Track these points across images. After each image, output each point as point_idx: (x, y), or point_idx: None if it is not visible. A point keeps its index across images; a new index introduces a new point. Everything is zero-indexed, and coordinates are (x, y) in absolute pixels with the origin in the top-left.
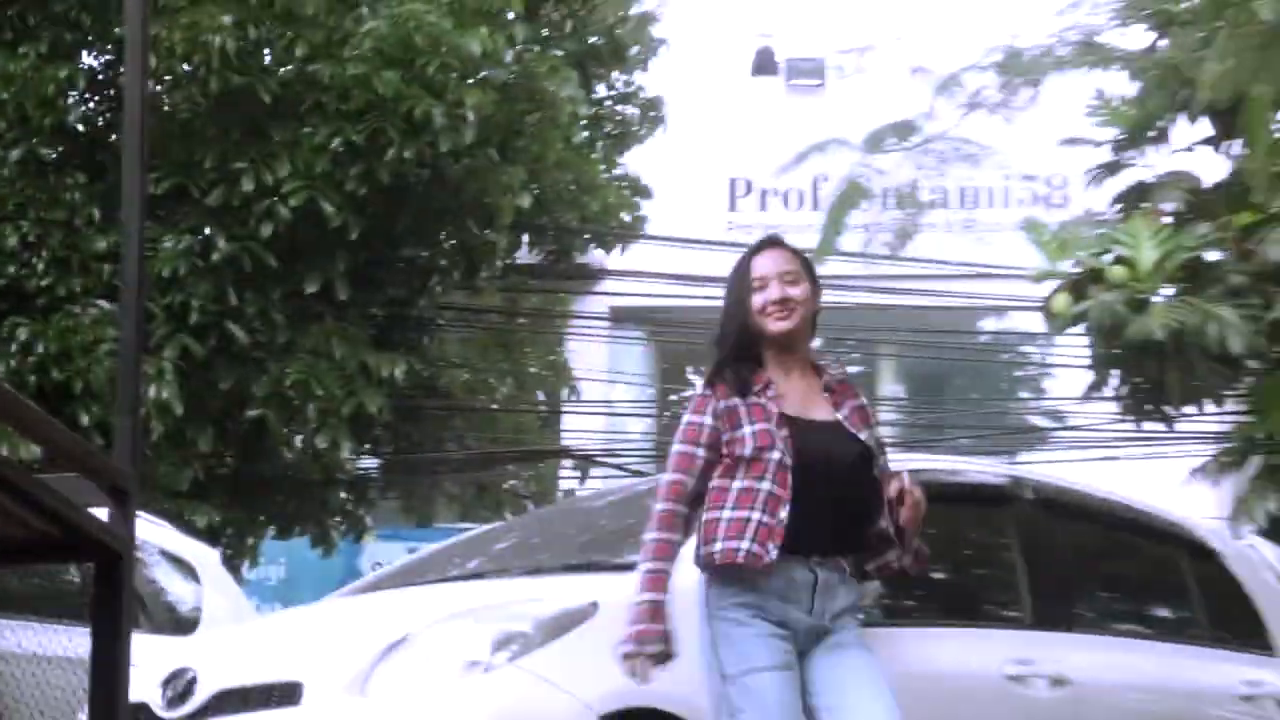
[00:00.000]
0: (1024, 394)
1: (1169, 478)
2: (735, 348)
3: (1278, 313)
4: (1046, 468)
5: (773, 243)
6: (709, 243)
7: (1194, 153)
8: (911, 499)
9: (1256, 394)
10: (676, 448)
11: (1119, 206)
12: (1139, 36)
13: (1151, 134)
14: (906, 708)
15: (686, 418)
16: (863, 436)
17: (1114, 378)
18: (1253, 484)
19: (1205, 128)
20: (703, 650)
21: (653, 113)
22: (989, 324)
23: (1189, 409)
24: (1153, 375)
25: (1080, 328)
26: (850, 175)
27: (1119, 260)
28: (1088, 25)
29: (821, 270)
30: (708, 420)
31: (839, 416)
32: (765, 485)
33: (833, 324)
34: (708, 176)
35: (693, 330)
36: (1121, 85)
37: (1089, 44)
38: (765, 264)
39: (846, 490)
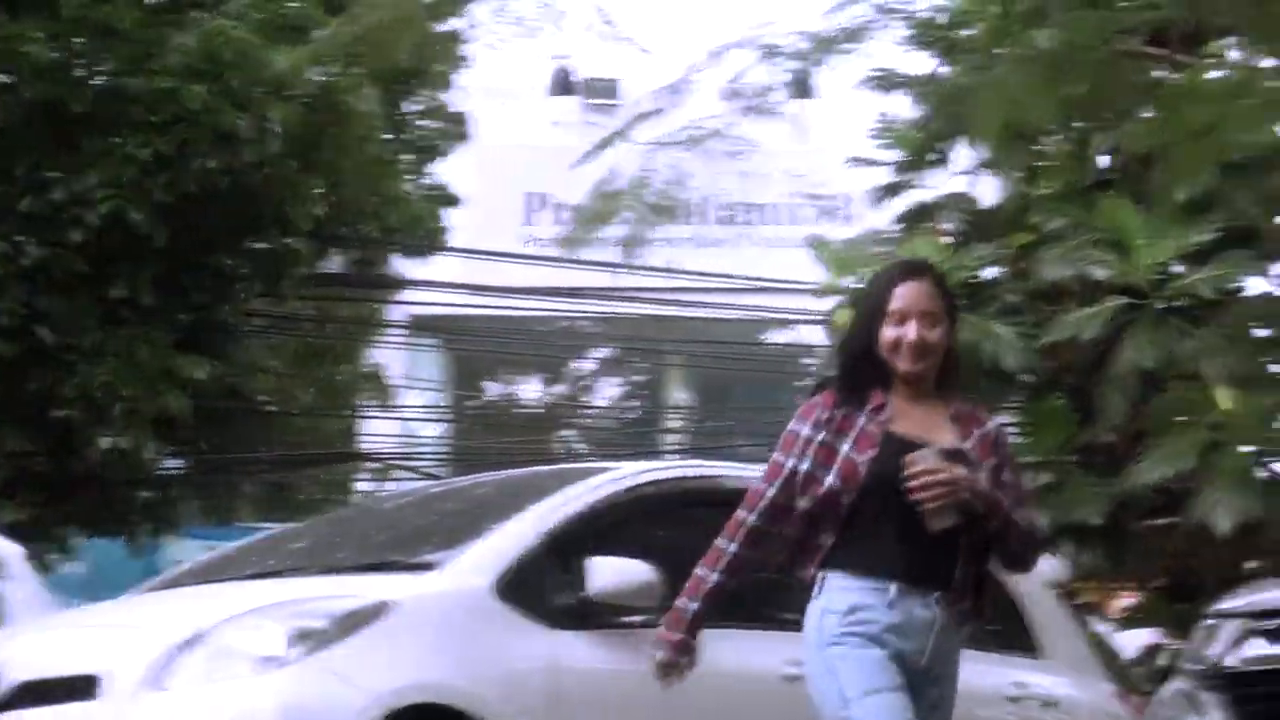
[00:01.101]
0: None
1: None
2: (855, 369)
3: (1051, 331)
4: None
5: (918, 272)
6: (505, 255)
7: (974, 176)
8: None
9: (1030, 414)
10: (773, 456)
11: (901, 225)
12: (923, 62)
13: (933, 157)
14: (688, 707)
15: (790, 427)
16: (981, 465)
17: None
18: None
19: (985, 151)
20: (813, 680)
21: (455, 128)
22: (774, 336)
23: None
24: None
25: None
26: (607, 180)
27: None
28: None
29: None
30: (806, 430)
31: (962, 444)
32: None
33: (622, 334)
34: (506, 191)
35: (487, 339)
36: (906, 109)
37: (855, 32)
38: (907, 297)
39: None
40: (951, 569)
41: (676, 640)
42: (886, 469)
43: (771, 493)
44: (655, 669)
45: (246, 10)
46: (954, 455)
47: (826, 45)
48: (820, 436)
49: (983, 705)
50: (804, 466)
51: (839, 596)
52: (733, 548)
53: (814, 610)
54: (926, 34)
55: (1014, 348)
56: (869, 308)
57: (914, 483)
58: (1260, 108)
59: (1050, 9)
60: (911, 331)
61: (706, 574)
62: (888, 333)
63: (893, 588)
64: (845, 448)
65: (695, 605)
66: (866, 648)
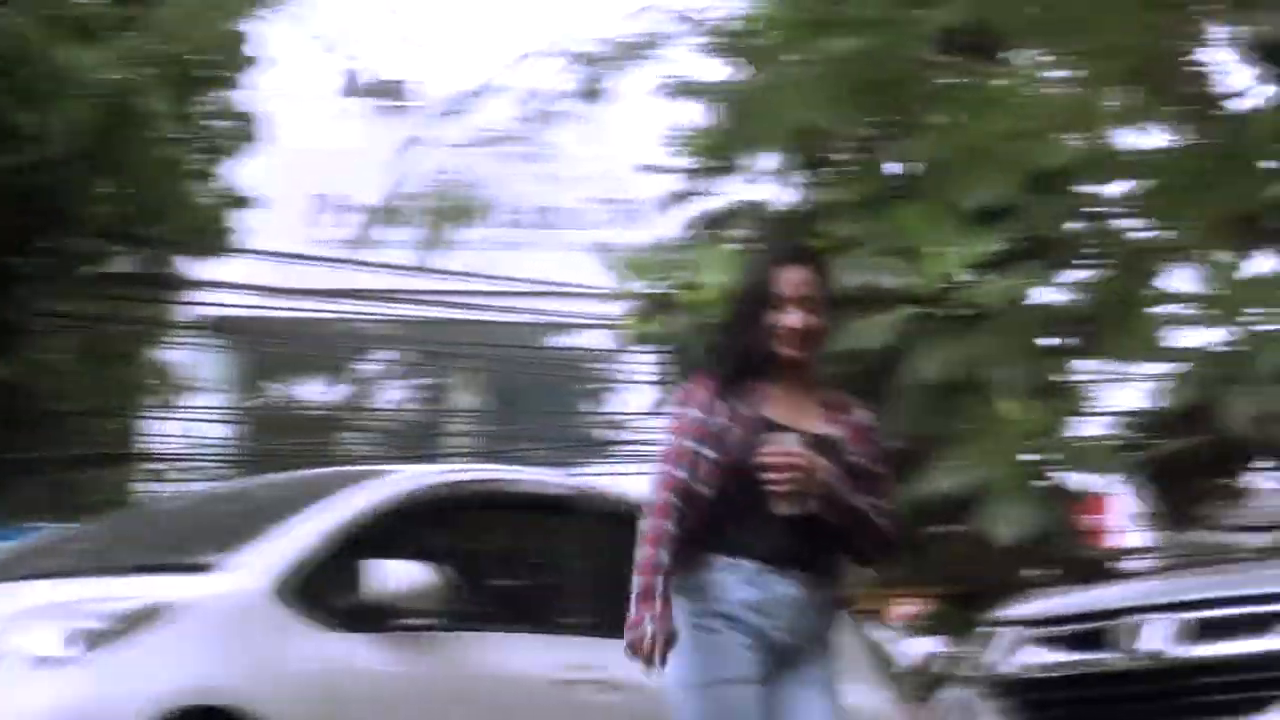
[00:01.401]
0: (597, 408)
1: None
2: (736, 354)
3: (840, 339)
4: (615, 480)
5: (802, 258)
6: (296, 256)
7: (765, 183)
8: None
9: None
10: (666, 442)
11: (693, 232)
12: (718, 69)
13: (726, 164)
14: (463, 709)
15: (675, 412)
16: (854, 453)
17: None
18: None
19: (776, 159)
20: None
21: (246, 129)
22: (564, 340)
23: None
24: None
25: (651, 347)
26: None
27: (690, 284)
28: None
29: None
30: (692, 414)
31: (834, 432)
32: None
33: (414, 337)
34: (301, 193)
35: (278, 340)
36: (699, 116)
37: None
38: (792, 283)
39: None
40: (812, 552)
41: (661, 611)
42: (748, 454)
43: (681, 474)
44: (648, 647)
45: (33, 5)
46: (821, 444)
47: (624, 52)
48: (703, 419)
49: None
50: (700, 448)
51: (701, 574)
52: (669, 525)
53: (679, 587)
54: (721, 41)
55: None
56: (753, 292)
57: (770, 467)
58: (1052, 119)
59: (843, 17)
60: (797, 318)
61: (657, 551)
62: (772, 319)
63: (752, 566)
64: (722, 431)
65: (660, 581)
66: (720, 632)
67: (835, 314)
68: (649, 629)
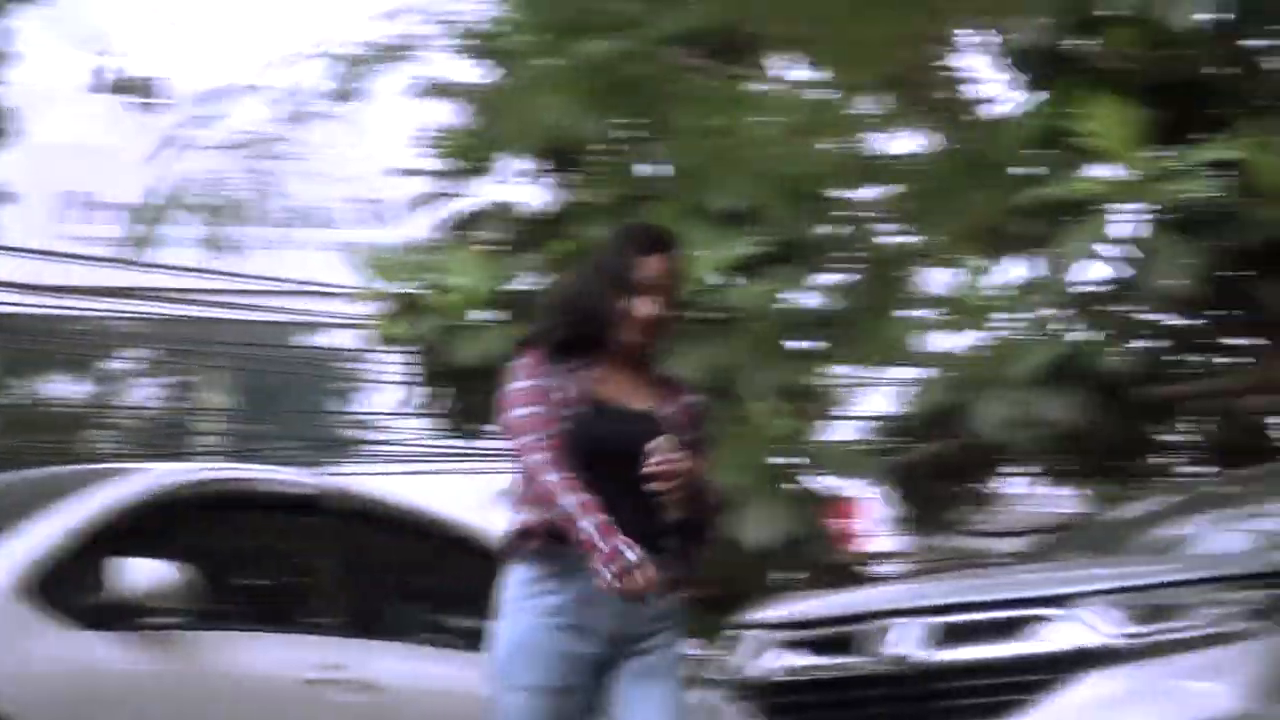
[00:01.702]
0: (345, 408)
1: (480, 493)
2: (576, 331)
3: None
4: (364, 479)
5: (663, 244)
6: (44, 254)
7: (517, 184)
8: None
9: None
10: (516, 414)
11: (443, 234)
12: (470, 71)
13: (476, 165)
14: (211, 712)
15: (515, 384)
16: (683, 432)
17: (434, 397)
18: None
19: (526, 161)
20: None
21: None
22: (315, 340)
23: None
24: (473, 395)
25: (402, 348)
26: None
27: (442, 286)
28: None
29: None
30: (524, 386)
31: (662, 410)
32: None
33: (166, 336)
34: (53, 189)
35: (26, 337)
36: (451, 117)
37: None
38: (652, 271)
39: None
40: (648, 537)
41: (617, 541)
42: (587, 433)
43: (546, 438)
44: (637, 570)
45: None
46: (656, 423)
47: (378, 53)
48: (544, 386)
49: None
50: (543, 411)
51: (527, 563)
52: (560, 471)
53: (508, 575)
54: (472, 43)
55: None
56: (609, 273)
57: (655, 472)
58: (804, 123)
59: (589, 21)
60: (651, 307)
61: (575, 495)
62: (625, 304)
63: (574, 554)
64: (551, 410)
65: (598, 517)
66: (542, 633)
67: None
68: (629, 555)
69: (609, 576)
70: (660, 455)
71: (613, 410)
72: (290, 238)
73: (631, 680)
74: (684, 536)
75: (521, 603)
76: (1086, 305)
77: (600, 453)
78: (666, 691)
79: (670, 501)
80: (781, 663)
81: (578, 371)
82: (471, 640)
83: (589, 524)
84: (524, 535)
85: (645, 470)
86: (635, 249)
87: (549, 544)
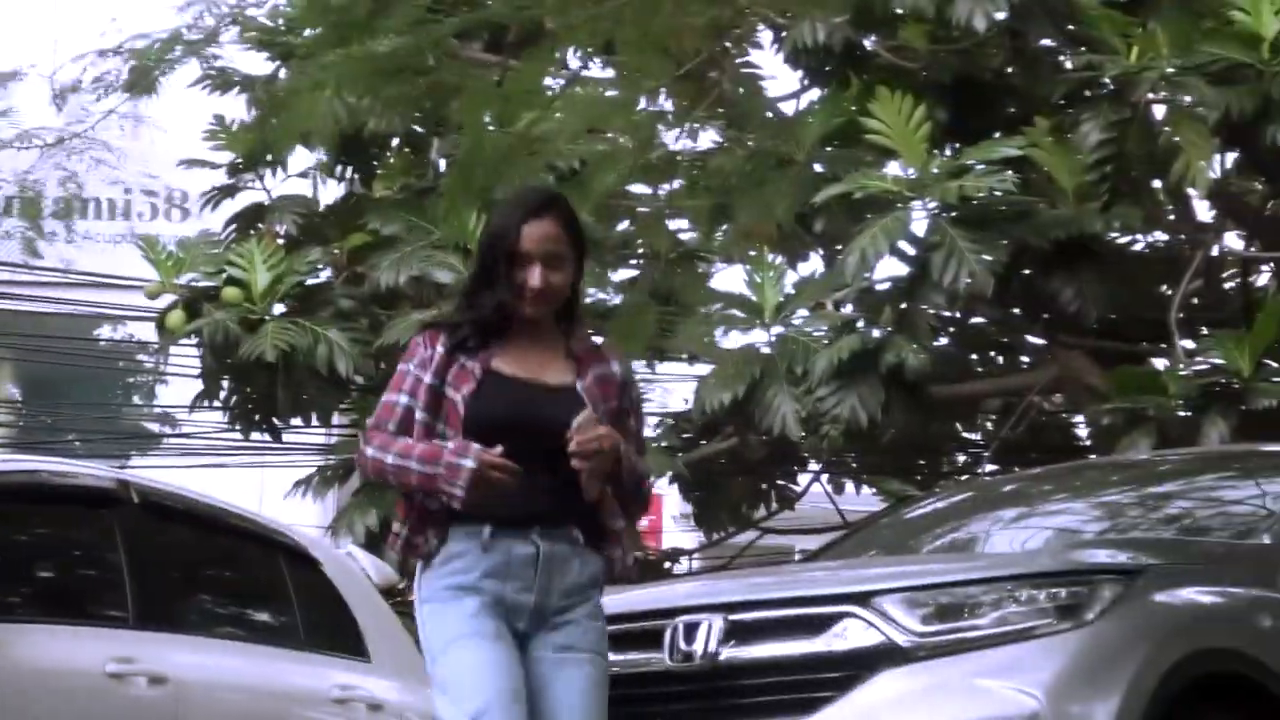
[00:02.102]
0: (138, 401)
1: (275, 487)
2: (477, 310)
3: (384, 336)
4: (157, 472)
5: (545, 208)
6: None
7: (309, 178)
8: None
9: (362, 415)
10: (382, 399)
11: (234, 227)
12: (260, 64)
13: (268, 159)
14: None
15: (398, 366)
16: (598, 404)
17: (225, 390)
18: (353, 498)
19: (317, 154)
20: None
21: None
22: (106, 332)
23: (297, 422)
24: (263, 390)
25: (194, 340)
26: None
27: (233, 281)
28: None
29: None
30: (413, 368)
31: (574, 382)
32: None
33: None
34: None
35: None
36: (241, 110)
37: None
38: (533, 237)
39: (565, 457)
40: (559, 508)
41: (445, 457)
42: (487, 409)
43: (392, 426)
44: (476, 481)
45: None
46: (564, 395)
47: (170, 46)
48: (426, 377)
49: (307, 706)
50: (414, 405)
51: (437, 546)
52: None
53: (418, 580)
54: (263, 37)
55: (347, 353)
56: (495, 247)
57: (579, 450)
58: (591, 118)
59: (383, 15)
60: (536, 277)
61: (396, 447)
62: (514, 275)
63: (486, 530)
64: (448, 389)
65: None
66: (455, 599)
67: (580, 261)
68: (465, 461)
69: (461, 492)
70: (577, 430)
71: (515, 384)
72: (85, 230)
73: (551, 659)
74: (609, 513)
75: (431, 584)
76: (882, 302)
77: (501, 428)
78: (584, 673)
79: (589, 477)
80: None
81: (479, 349)
82: (264, 634)
83: (415, 463)
84: (408, 546)
85: (562, 446)
86: (517, 219)
87: (426, 534)
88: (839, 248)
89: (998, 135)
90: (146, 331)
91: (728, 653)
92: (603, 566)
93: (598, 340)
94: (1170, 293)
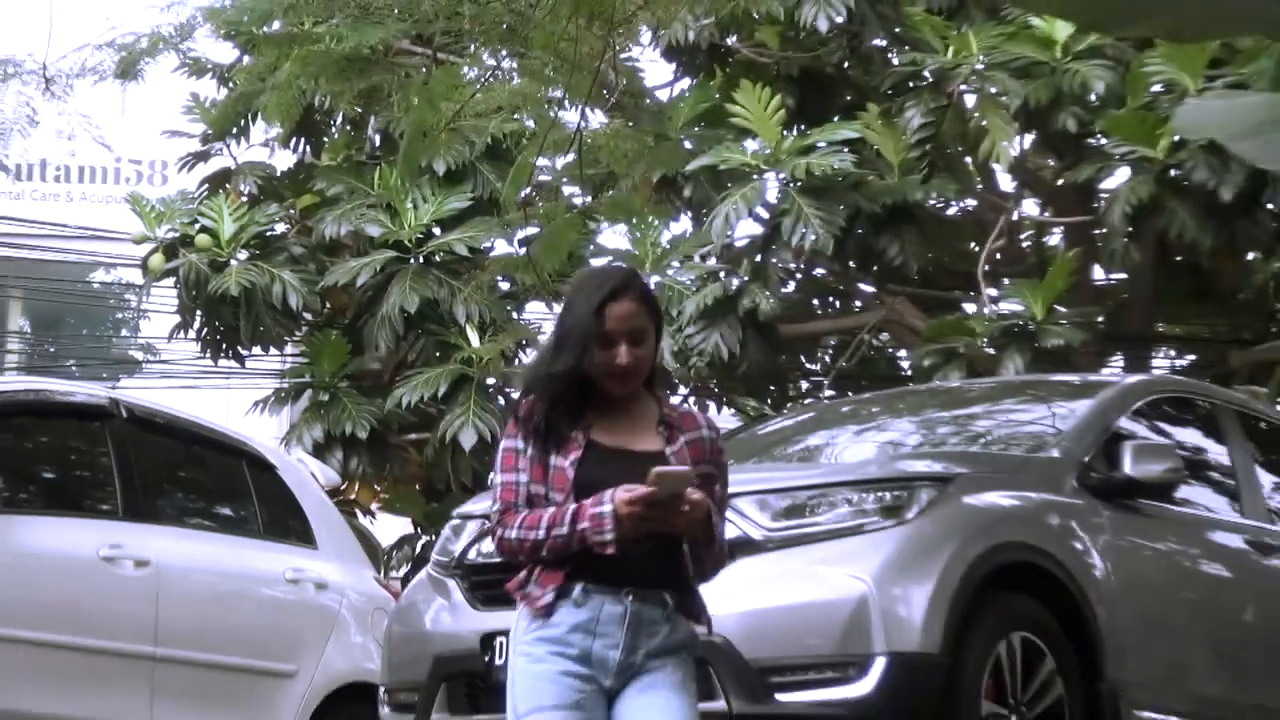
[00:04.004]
0: (125, 333)
1: (239, 405)
2: (565, 383)
3: (329, 277)
4: (141, 392)
5: (625, 287)
6: None
7: (268, 147)
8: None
9: (311, 345)
10: (497, 479)
11: (206, 187)
12: (229, 52)
13: (234, 131)
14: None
15: (503, 444)
16: (691, 468)
17: (198, 323)
18: (303, 414)
19: (275, 128)
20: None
21: None
22: (100, 275)
23: (257, 351)
24: (229, 322)
25: (171, 281)
26: None
27: (204, 230)
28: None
29: None
30: (519, 445)
31: (665, 449)
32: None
33: None
34: None
35: None
36: (212, 90)
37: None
38: (617, 317)
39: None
40: (649, 568)
41: (585, 510)
42: (590, 476)
43: (520, 505)
44: (622, 521)
45: None
46: (656, 462)
47: (156, 44)
48: (531, 450)
49: (265, 585)
50: (530, 481)
51: (536, 600)
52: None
53: (517, 614)
54: (232, 30)
55: (298, 291)
56: (579, 330)
57: (666, 505)
58: (500, 102)
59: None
60: (624, 355)
61: (538, 522)
62: (599, 355)
63: (578, 587)
64: (553, 459)
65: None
66: (543, 661)
67: (659, 331)
68: (602, 508)
69: (610, 538)
70: (656, 475)
71: (612, 453)
72: (80, 191)
73: (637, 693)
74: (693, 571)
75: (523, 633)
76: (741, 256)
77: (593, 493)
78: (674, 701)
79: (681, 534)
80: (483, 547)
81: (576, 419)
82: (229, 525)
83: (563, 528)
84: (527, 597)
85: (654, 500)
86: (598, 301)
87: (545, 588)
88: (705, 211)
89: (837, 119)
90: (133, 275)
91: None
92: (693, 632)
93: (689, 408)
94: (978, 250)
